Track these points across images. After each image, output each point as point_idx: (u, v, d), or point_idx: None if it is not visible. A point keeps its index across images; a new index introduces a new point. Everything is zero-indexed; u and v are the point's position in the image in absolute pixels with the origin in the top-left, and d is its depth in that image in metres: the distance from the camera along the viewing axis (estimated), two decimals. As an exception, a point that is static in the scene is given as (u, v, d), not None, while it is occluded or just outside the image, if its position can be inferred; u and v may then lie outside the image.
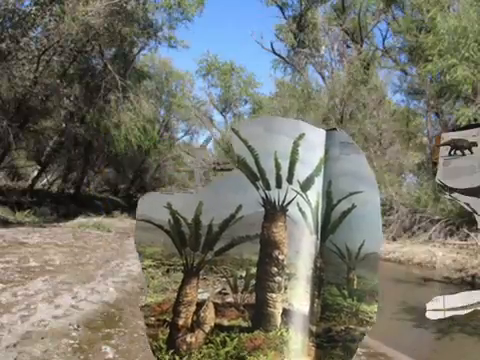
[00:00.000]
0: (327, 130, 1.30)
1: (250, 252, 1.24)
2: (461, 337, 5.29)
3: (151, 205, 1.28)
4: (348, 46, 22.27)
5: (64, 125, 17.45)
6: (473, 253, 10.72)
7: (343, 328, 1.23)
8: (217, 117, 35.48)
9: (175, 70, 30.44)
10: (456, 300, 1.55)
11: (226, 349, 1.20)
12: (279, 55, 23.33)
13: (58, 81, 14.77)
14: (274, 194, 1.26)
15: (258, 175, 1.26)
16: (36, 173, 18.93)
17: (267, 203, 1.25)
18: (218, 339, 1.21)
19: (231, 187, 1.27)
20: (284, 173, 1.26)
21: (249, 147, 1.26)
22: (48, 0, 12.81)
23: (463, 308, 1.52)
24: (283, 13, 23.91)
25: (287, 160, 1.26)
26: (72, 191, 20.50)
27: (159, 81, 28.18)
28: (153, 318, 1.23)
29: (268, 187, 1.26)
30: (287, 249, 1.24)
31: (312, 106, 20.78)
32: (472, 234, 12.06)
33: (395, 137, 18.94)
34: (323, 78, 22.27)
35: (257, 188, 1.26)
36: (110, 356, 3.57)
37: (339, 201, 1.26)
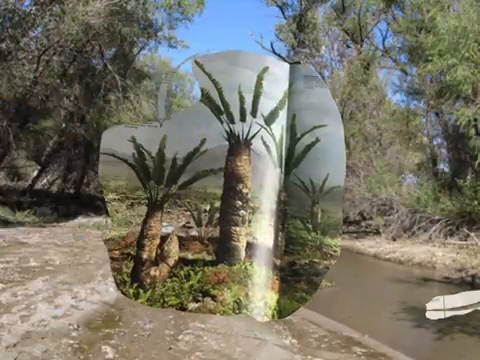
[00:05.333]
0: (291, 63, 1.30)
1: (214, 186, 1.24)
2: (461, 337, 5.29)
3: (115, 138, 1.26)
4: (348, 46, 22.29)
5: (64, 125, 17.45)
6: (473, 253, 10.71)
7: (307, 262, 1.23)
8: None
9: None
10: (456, 300, 1.55)
11: (190, 283, 1.19)
12: (279, 55, 23.28)
13: (58, 81, 14.76)
14: (238, 128, 1.25)
15: (222, 109, 1.25)
16: (36, 173, 18.92)
17: (231, 137, 1.25)
18: (182, 273, 1.21)
19: (195, 120, 1.25)
20: (248, 107, 1.25)
21: (213, 81, 1.25)
22: (48, 0, 12.81)
23: (463, 308, 1.52)
24: (283, 13, 23.93)
25: (251, 94, 1.25)
26: (72, 191, 20.50)
27: (159, 81, 28.14)
28: (117, 252, 1.22)
29: (232, 121, 1.25)
30: (251, 183, 1.24)
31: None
32: (472, 234, 12.06)
33: (395, 137, 18.93)
34: (323, 78, 22.22)
35: (221, 122, 1.25)
36: (110, 356, 3.56)
37: (303, 135, 1.25)
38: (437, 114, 16.97)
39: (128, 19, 16.02)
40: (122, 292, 1.22)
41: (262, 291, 1.19)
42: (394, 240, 13.92)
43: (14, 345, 3.51)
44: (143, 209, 1.24)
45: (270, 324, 4.61)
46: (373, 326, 5.46)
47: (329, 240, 1.23)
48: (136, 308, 4.64)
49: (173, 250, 1.23)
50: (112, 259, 1.22)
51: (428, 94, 16.15)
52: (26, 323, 4.07)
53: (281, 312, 1.19)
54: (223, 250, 1.22)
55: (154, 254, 1.23)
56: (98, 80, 17.10)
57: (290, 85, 1.27)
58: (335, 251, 1.23)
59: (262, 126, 1.26)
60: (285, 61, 1.38)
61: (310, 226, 1.24)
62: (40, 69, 13.81)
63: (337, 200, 1.24)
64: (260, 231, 1.23)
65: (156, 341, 4.02)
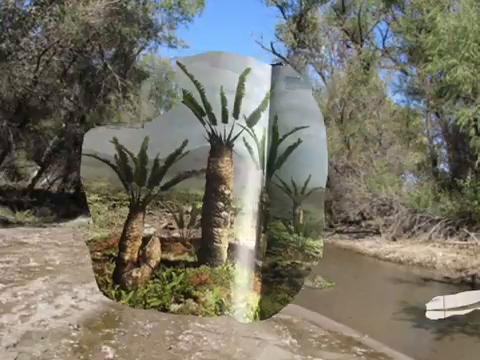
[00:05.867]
0: (273, 65, 1.31)
1: (196, 187, 1.24)
2: (461, 337, 5.29)
3: (97, 140, 1.25)
4: (348, 46, 22.28)
5: (64, 125, 17.45)
6: (473, 253, 10.71)
7: (289, 263, 1.23)
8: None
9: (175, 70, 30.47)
10: (456, 300, 1.55)
11: (172, 284, 1.20)
12: (279, 55, 23.29)
13: (58, 81, 14.76)
14: (220, 129, 1.25)
15: (204, 110, 1.25)
16: (36, 173, 18.91)
17: (213, 138, 1.25)
18: (164, 274, 1.21)
19: (177, 122, 1.25)
20: (230, 108, 1.26)
21: (195, 82, 1.25)
22: (48, 0, 12.80)
23: (463, 308, 1.52)
24: (283, 13, 23.92)
25: (233, 95, 1.25)
26: (72, 191, 20.49)
27: (159, 81, 28.17)
28: (99, 253, 1.23)
29: (214, 122, 1.25)
30: (233, 184, 1.25)
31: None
32: (472, 234, 12.06)
33: (395, 137, 18.92)
34: (323, 78, 22.26)
35: (203, 123, 1.25)
36: (110, 356, 3.56)
37: (285, 136, 1.26)
38: (437, 114, 16.96)
39: (128, 19, 16.02)
40: (104, 293, 1.22)
41: (244, 292, 1.19)
42: (394, 240, 13.91)
43: (14, 345, 3.50)
44: (125, 210, 1.25)
45: (270, 324, 4.61)
46: (373, 326, 5.45)
47: (311, 241, 1.24)
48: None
49: (155, 251, 1.23)
50: (94, 260, 1.23)
51: (428, 94, 16.14)
52: (26, 323, 4.07)
53: (263, 313, 1.20)
54: (205, 251, 1.22)
55: (136, 255, 1.23)
56: (98, 80, 17.11)
57: (272, 86, 1.28)
58: (317, 252, 1.24)
59: (244, 127, 1.26)
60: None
61: (292, 227, 1.25)
62: (40, 69, 13.81)
63: (319, 201, 1.24)
64: (242, 232, 1.23)
65: (156, 341, 4.02)
